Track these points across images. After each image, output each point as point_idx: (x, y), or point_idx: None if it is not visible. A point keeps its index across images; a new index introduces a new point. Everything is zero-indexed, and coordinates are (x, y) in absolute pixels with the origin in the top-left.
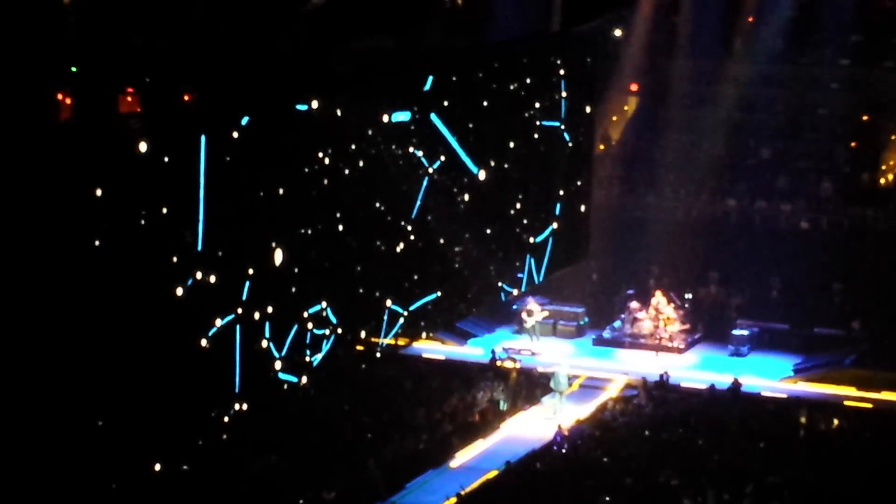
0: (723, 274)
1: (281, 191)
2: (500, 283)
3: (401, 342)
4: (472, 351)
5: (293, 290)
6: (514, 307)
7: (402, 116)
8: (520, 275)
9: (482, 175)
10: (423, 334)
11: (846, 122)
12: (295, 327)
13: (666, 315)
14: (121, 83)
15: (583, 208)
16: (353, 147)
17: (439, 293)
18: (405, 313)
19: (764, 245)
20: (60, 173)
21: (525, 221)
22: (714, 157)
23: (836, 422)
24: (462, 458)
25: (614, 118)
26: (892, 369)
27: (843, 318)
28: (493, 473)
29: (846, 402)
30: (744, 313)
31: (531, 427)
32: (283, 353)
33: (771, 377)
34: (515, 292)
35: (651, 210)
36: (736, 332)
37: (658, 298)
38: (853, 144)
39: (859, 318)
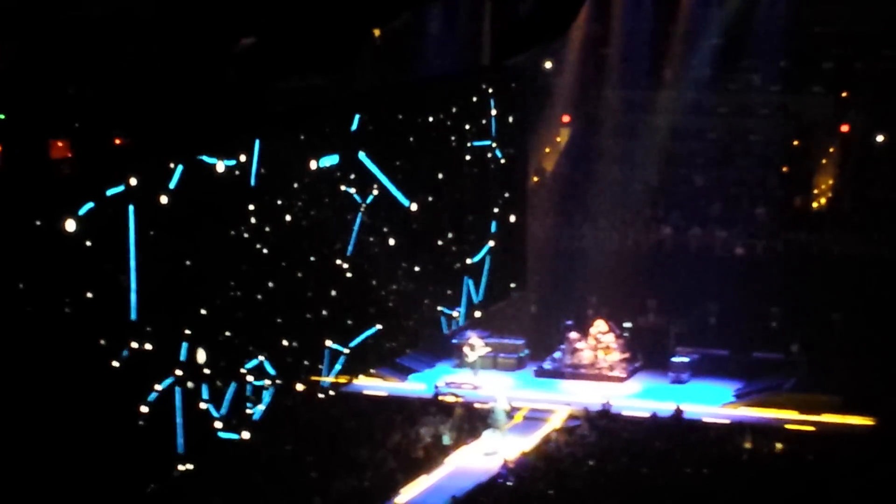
0: (661, 302)
1: (213, 251)
2: (440, 309)
3: (342, 380)
4: (413, 386)
5: (229, 348)
6: (455, 341)
7: (329, 161)
8: (458, 308)
9: (414, 207)
10: (365, 371)
11: (777, 148)
12: (233, 385)
13: (605, 344)
14: (51, 130)
15: (513, 218)
16: (282, 199)
17: (380, 326)
18: (346, 351)
19: (701, 272)
20: None
21: (461, 246)
22: (648, 186)
23: (778, 446)
24: (407, 494)
25: (547, 150)
26: (833, 392)
27: (781, 342)
28: None
29: (788, 426)
30: (683, 340)
31: (476, 461)
32: (224, 411)
33: (712, 403)
34: (455, 314)
35: (587, 240)
36: (676, 359)
37: (597, 328)
38: (785, 169)
39: (798, 342)
